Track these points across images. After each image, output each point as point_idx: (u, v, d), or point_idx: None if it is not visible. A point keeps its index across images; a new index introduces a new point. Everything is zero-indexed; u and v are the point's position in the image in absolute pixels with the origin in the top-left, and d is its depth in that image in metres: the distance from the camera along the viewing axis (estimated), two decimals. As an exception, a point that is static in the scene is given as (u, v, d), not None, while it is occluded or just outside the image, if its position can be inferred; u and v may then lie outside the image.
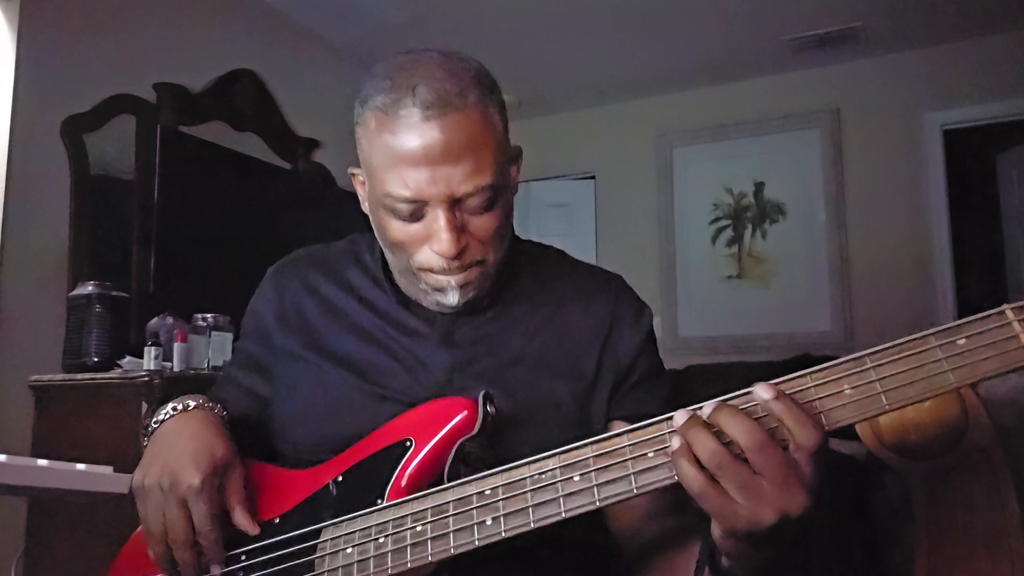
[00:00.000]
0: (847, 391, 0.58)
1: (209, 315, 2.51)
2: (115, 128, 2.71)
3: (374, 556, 0.69)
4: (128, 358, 2.28)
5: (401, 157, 0.75)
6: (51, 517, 2.25)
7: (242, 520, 0.76)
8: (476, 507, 0.66)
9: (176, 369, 2.30)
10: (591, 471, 0.63)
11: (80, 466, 0.94)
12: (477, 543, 0.65)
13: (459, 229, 0.77)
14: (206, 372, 2.36)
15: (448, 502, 0.68)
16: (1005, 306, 0.55)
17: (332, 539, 0.72)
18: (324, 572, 0.72)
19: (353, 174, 0.87)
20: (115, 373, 2.25)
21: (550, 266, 0.94)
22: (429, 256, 0.79)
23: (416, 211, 0.77)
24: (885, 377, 0.57)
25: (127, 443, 2.10)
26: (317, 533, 0.74)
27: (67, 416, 2.28)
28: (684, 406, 0.61)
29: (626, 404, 0.86)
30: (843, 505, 1.42)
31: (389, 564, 0.68)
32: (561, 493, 0.63)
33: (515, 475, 0.66)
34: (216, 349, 2.45)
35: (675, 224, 4.45)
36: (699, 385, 3.60)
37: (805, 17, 3.59)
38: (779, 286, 4.18)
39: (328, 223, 2.76)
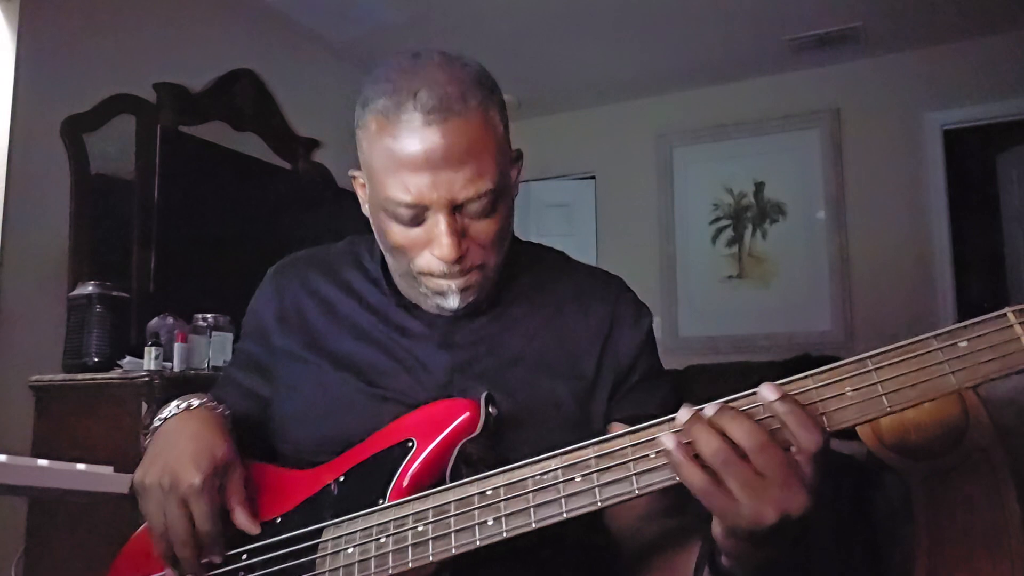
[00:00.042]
0: (849, 393, 0.58)
1: (209, 315, 2.51)
2: (115, 128, 2.71)
3: (375, 556, 0.69)
4: (128, 358, 2.28)
5: (402, 162, 0.75)
6: (51, 517, 2.26)
7: (243, 520, 0.77)
8: (478, 507, 0.66)
9: (176, 369, 2.30)
10: (593, 472, 0.63)
11: (80, 466, 0.94)
12: (479, 543, 0.65)
13: (460, 234, 0.77)
14: (206, 372, 2.36)
15: (450, 502, 0.68)
16: (1007, 308, 0.56)
17: (333, 539, 0.72)
18: (325, 572, 0.72)
19: (353, 176, 0.87)
20: (115, 373, 2.25)
21: (550, 267, 0.94)
22: (430, 260, 0.79)
23: (417, 216, 0.77)
24: (887, 379, 0.57)
25: (127, 443, 2.10)
26: (318, 533, 0.74)
27: (67, 416, 2.28)
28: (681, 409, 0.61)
29: (626, 405, 0.86)
30: (843, 505, 1.42)
31: (390, 564, 0.68)
32: (563, 494, 0.63)
33: (517, 476, 0.66)
34: (216, 349, 2.45)
35: (675, 224, 4.45)
36: (699, 385, 3.60)
37: (805, 17, 3.59)
38: (779, 286, 4.18)
39: (328, 223, 2.77)
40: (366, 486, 0.74)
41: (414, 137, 0.74)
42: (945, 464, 1.04)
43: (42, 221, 2.48)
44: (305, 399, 0.86)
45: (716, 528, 0.62)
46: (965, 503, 1.04)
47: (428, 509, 0.68)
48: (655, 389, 0.89)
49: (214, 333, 2.47)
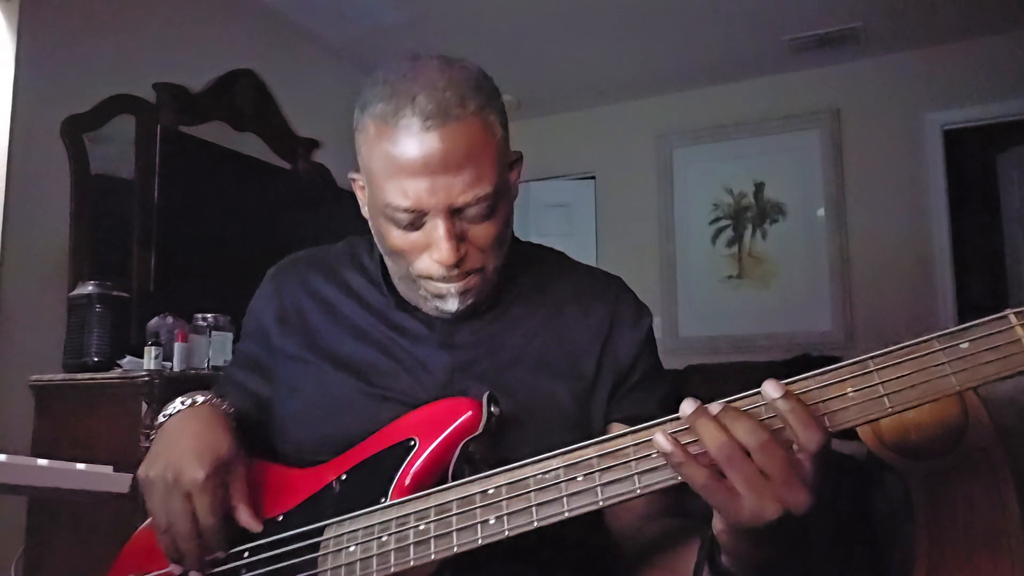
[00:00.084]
0: (850, 393, 0.58)
1: (209, 315, 2.51)
2: (115, 128, 2.71)
3: (377, 554, 0.70)
4: (128, 358, 2.28)
5: (400, 167, 0.75)
6: (51, 517, 2.26)
7: (245, 517, 0.77)
8: (480, 506, 0.66)
9: (176, 369, 2.30)
10: (595, 471, 0.63)
11: (80, 466, 0.94)
12: (480, 542, 0.65)
13: (458, 238, 0.77)
14: (206, 372, 2.36)
15: (451, 501, 0.68)
16: (1008, 310, 0.56)
17: (335, 537, 0.73)
18: (327, 570, 0.72)
19: (353, 179, 0.87)
20: (115, 373, 2.25)
21: (550, 268, 0.95)
22: (429, 264, 0.79)
23: (415, 220, 0.77)
24: (888, 380, 0.57)
25: (127, 443, 2.10)
26: (320, 531, 0.74)
27: (67, 416, 2.28)
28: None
29: (625, 405, 0.86)
30: (843, 505, 1.42)
31: (392, 562, 0.69)
32: (565, 493, 0.63)
33: (519, 475, 0.66)
34: (216, 349, 2.45)
35: (675, 224, 4.45)
36: (699, 385, 3.60)
37: (805, 17, 3.59)
38: (779, 286, 4.18)
39: (328, 223, 2.76)
40: (368, 484, 0.75)
41: (412, 142, 0.74)
42: (945, 464, 1.04)
43: (42, 221, 2.48)
44: (305, 399, 0.87)
45: (717, 525, 0.62)
46: (965, 503, 1.04)
47: (430, 508, 0.68)
48: (655, 389, 0.89)
49: (214, 333, 2.47)
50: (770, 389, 0.58)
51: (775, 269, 4.21)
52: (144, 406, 2.11)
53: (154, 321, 2.42)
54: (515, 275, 0.90)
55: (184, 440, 0.77)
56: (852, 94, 4.08)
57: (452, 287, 0.80)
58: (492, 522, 0.65)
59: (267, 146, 3.35)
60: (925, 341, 0.57)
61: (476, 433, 0.73)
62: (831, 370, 0.59)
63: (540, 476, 0.65)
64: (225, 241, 2.90)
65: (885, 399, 0.57)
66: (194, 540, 0.74)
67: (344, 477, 0.77)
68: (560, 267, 0.96)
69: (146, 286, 2.68)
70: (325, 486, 0.78)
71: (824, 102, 4.13)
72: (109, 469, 0.96)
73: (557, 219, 4.64)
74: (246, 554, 0.77)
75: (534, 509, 0.64)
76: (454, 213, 0.76)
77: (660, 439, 0.59)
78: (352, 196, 0.89)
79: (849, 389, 0.58)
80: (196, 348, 2.41)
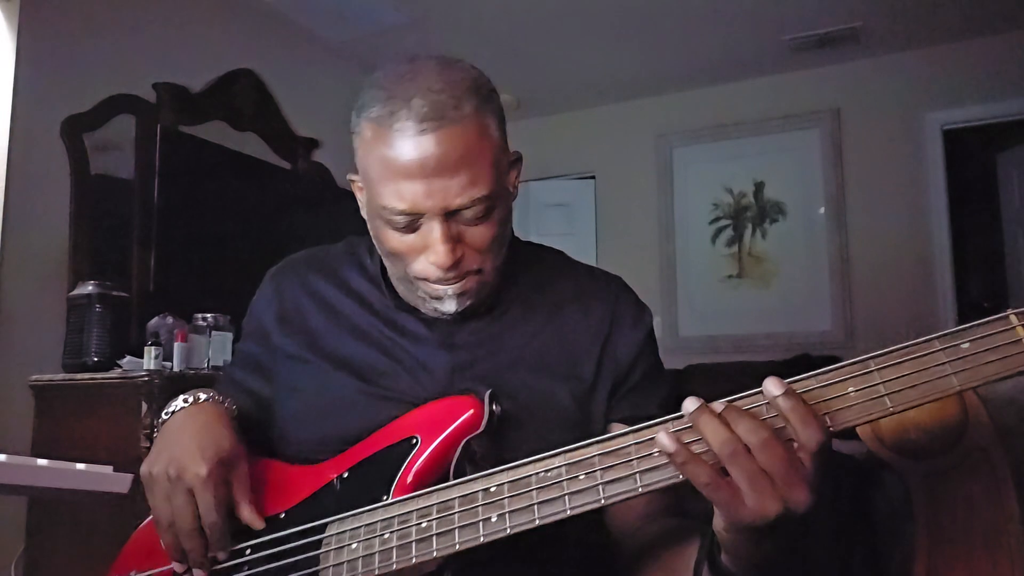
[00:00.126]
0: (851, 393, 0.58)
1: (209, 315, 2.51)
2: (115, 128, 2.71)
3: (379, 551, 0.70)
4: (128, 358, 2.28)
5: (396, 170, 0.75)
6: (51, 517, 2.26)
7: (247, 514, 0.77)
8: (481, 504, 0.66)
9: (176, 369, 2.30)
10: (596, 470, 0.63)
11: (80, 466, 0.94)
12: (482, 539, 0.66)
13: (455, 240, 0.77)
14: (206, 372, 2.36)
15: (453, 499, 0.68)
16: (1009, 311, 0.56)
17: (337, 534, 0.73)
18: (329, 567, 0.72)
19: (352, 180, 0.87)
20: (115, 373, 2.25)
21: (550, 268, 0.95)
22: (426, 266, 0.79)
23: (412, 223, 0.77)
24: (889, 380, 0.58)
25: (127, 443, 2.11)
26: (322, 528, 0.74)
27: (67, 416, 2.28)
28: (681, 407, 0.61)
29: (625, 405, 0.86)
30: (843, 505, 1.42)
31: (394, 560, 0.69)
32: (566, 491, 0.64)
33: (521, 473, 0.66)
34: (216, 349, 2.45)
35: (675, 224, 4.45)
36: (699, 385, 3.60)
37: (805, 17, 3.59)
38: (779, 286, 4.19)
39: (328, 223, 2.76)
40: (370, 482, 0.75)
41: (407, 145, 0.74)
42: (945, 463, 1.04)
43: (42, 221, 2.48)
44: (305, 399, 0.87)
45: (718, 523, 0.62)
46: (965, 502, 1.03)
47: (432, 505, 0.69)
48: (655, 390, 0.89)
49: (214, 333, 2.47)
50: (771, 386, 0.58)
51: (775, 269, 4.21)
52: (144, 406, 2.11)
53: (154, 321, 2.42)
54: (515, 275, 0.90)
55: (187, 437, 0.77)
56: (852, 94, 4.08)
57: (449, 289, 0.80)
58: (494, 520, 0.65)
59: (267, 146, 3.35)
60: (926, 341, 0.57)
61: (478, 431, 0.73)
62: (832, 370, 0.59)
63: (542, 474, 0.65)
64: (225, 241, 2.90)
65: (886, 399, 0.58)
66: (196, 537, 0.74)
67: (346, 475, 0.78)
68: (560, 267, 0.96)
69: (146, 286, 2.68)
70: (327, 484, 0.78)
71: (824, 102, 4.13)
72: (109, 469, 0.96)
73: (557, 219, 4.64)
74: (248, 551, 0.77)
75: (536, 507, 0.64)
76: (450, 215, 0.76)
77: (663, 438, 0.59)
78: (352, 196, 0.90)
79: (850, 389, 0.59)
80: (196, 348, 2.41)
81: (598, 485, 0.63)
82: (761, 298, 4.22)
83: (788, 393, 0.58)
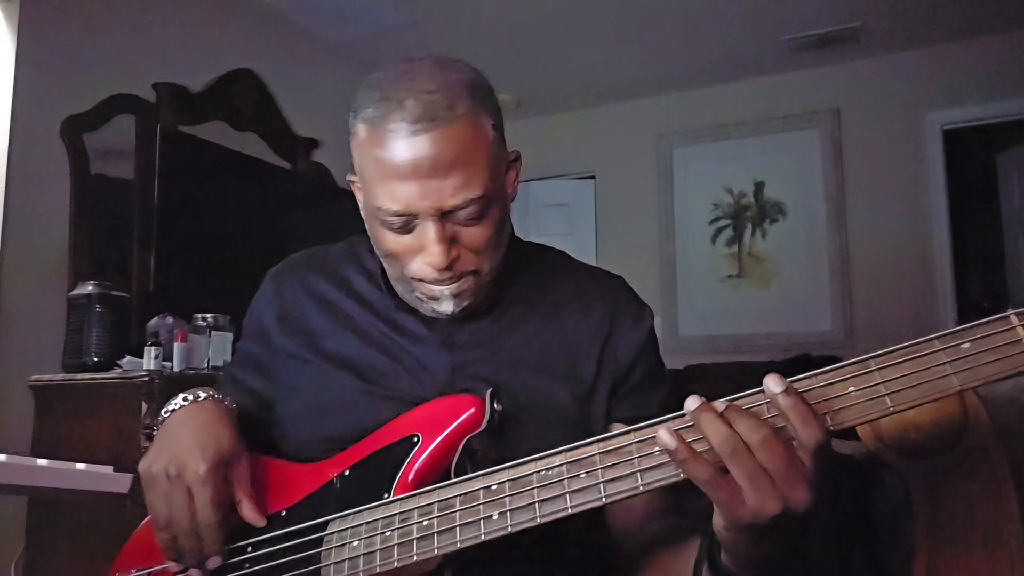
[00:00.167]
0: (852, 392, 0.58)
1: (209, 315, 2.51)
2: (115, 128, 2.71)
3: (380, 549, 0.70)
4: (128, 358, 2.28)
5: (390, 171, 0.75)
6: (51, 517, 2.26)
7: (248, 512, 0.77)
8: (483, 502, 0.67)
9: (176, 369, 2.30)
10: (598, 468, 0.63)
11: (80, 466, 0.94)
12: (484, 537, 0.66)
13: (449, 241, 0.77)
14: (206, 372, 2.36)
15: (454, 496, 0.68)
16: (1009, 311, 0.56)
17: (339, 532, 0.73)
18: (330, 565, 0.72)
19: (351, 181, 0.87)
20: (115, 373, 2.25)
21: (550, 268, 0.95)
22: (421, 267, 0.79)
23: (406, 223, 0.77)
24: (889, 380, 0.58)
25: (127, 443, 2.11)
26: (324, 526, 0.74)
27: (67, 416, 2.28)
28: (683, 407, 0.61)
29: (625, 406, 0.86)
30: (843, 504, 1.42)
31: (395, 557, 0.69)
32: (568, 490, 0.64)
33: (522, 471, 0.66)
34: (216, 349, 2.45)
35: (675, 224, 4.45)
36: (699, 385, 3.60)
37: (805, 17, 3.59)
38: (779, 286, 4.19)
39: (328, 223, 2.76)
40: (371, 480, 0.75)
41: (401, 146, 0.74)
42: (945, 463, 1.04)
43: (42, 221, 2.48)
44: (306, 399, 0.87)
45: (718, 522, 0.62)
46: (965, 502, 1.03)
47: (433, 503, 0.69)
48: (655, 390, 0.89)
49: (214, 333, 2.47)
50: (772, 384, 0.58)
51: (775, 269, 4.21)
52: (144, 406, 2.11)
53: (154, 321, 2.42)
54: (516, 275, 0.90)
55: (187, 435, 0.77)
56: (852, 94, 4.08)
57: (446, 289, 0.80)
58: (495, 518, 0.65)
59: (267, 146, 3.35)
60: (926, 341, 0.58)
61: (479, 430, 0.73)
62: (833, 369, 0.59)
63: (543, 472, 0.65)
64: (225, 241, 2.90)
65: (887, 398, 0.58)
66: (193, 536, 0.74)
67: (347, 473, 0.78)
68: (561, 267, 0.96)
69: (146, 286, 2.68)
70: (328, 481, 0.78)
71: (824, 102, 4.13)
72: (109, 469, 0.97)
73: (557, 219, 4.64)
74: (249, 548, 0.77)
75: (537, 505, 0.64)
76: (445, 216, 0.76)
77: (663, 434, 0.59)
78: (352, 196, 0.90)
79: (851, 388, 0.59)
80: (196, 348, 2.41)
81: (599, 484, 0.63)
82: (761, 298, 4.22)
83: (788, 391, 0.58)
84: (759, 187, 4.28)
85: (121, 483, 0.95)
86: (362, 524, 0.72)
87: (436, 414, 0.75)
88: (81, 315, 2.31)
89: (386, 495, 0.73)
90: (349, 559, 0.71)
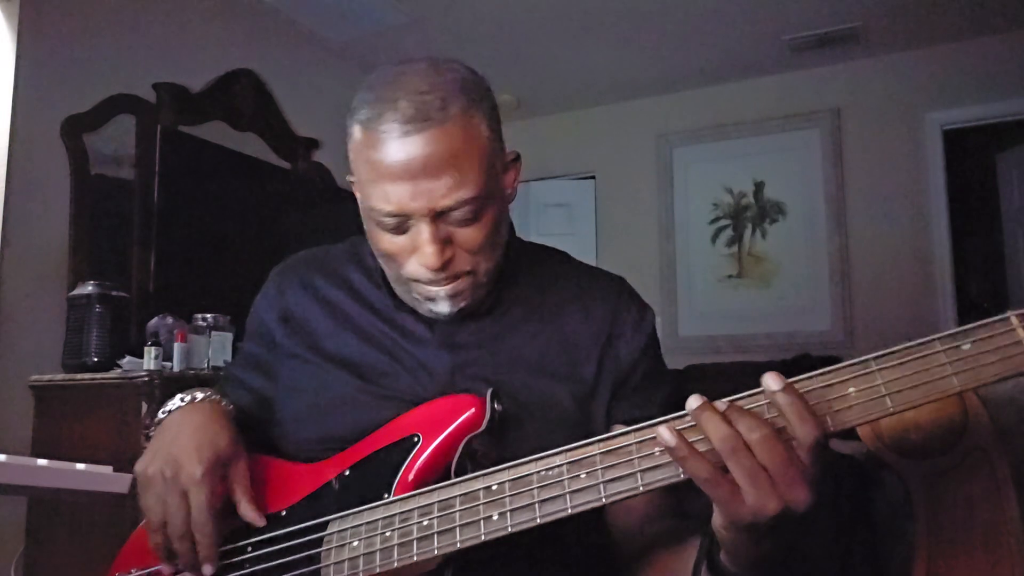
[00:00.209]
0: (852, 393, 0.58)
1: (209, 315, 2.51)
2: (115, 128, 2.71)
3: (380, 549, 0.70)
4: (128, 358, 2.28)
5: (382, 172, 0.75)
6: (51, 517, 2.26)
7: (248, 512, 0.77)
8: (483, 503, 0.66)
9: (176, 369, 2.30)
10: (598, 468, 0.63)
11: (80, 466, 0.94)
12: (484, 537, 0.66)
13: (444, 242, 0.77)
14: (206, 372, 2.36)
15: (455, 497, 0.68)
16: (1010, 312, 0.56)
17: (339, 532, 0.73)
18: (330, 565, 0.72)
19: (351, 181, 0.88)
20: (115, 373, 2.25)
21: (552, 268, 0.94)
22: (416, 267, 0.79)
23: (400, 224, 0.77)
24: (890, 380, 0.58)
25: (127, 443, 2.11)
26: (323, 526, 0.74)
27: (67, 416, 2.28)
28: (683, 407, 0.61)
29: (626, 407, 0.86)
30: (843, 505, 1.42)
31: (395, 557, 0.69)
32: (568, 490, 0.64)
33: (522, 471, 0.66)
34: (216, 349, 2.45)
35: (675, 224, 4.45)
36: (699, 385, 3.59)
37: (805, 17, 3.59)
38: (779, 286, 4.19)
39: (328, 223, 2.76)
40: (372, 480, 0.75)
41: (393, 147, 0.74)
42: (945, 463, 1.04)
43: (42, 221, 2.48)
44: (307, 399, 0.87)
45: (717, 520, 0.62)
46: (965, 502, 1.03)
47: (433, 503, 0.69)
48: (657, 390, 0.88)
49: (214, 333, 2.47)
50: (770, 381, 0.59)
51: (775, 269, 4.21)
52: (144, 406, 2.11)
53: (154, 321, 2.42)
54: (517, 276, 0.90)
55: (183, 436, 0.77)
56: (852, 94, 4.08)
57: (441, 290, 0.80)
58: (495, 518, 0.65)
59: (267, 146, 3.35)
60: (927, 342, 0.58)
61: (479, 430, 0.73)
62: (833, 370, 0.59)
63: (543, 473, 0.65)
64: (225, 241, 2.90)
65: (887, 399, 0.58)
66: (188, 539, 0.74)
67: (347, 473, 0.78)
68: (562, 267, 0.95)
69: (146, 286, 2.68)
70: (328, 481, 0.78)
71: (824, 102, 4.13)
72: (109, 469, 0.96)
73: (557, 219, 4.64)
74: (249, 548, 0.77)
75: (537, 506, 0.64)
76: (438, 216, 0.76)
77: (664, 432, 0.59)
78: (353, 196, 0.90)
79: (851, 389, 0.59)
80: (195, 348, 2.41)
81: (599, 484, 0.63)
82: (761, 298, 4.22)
83: (786, 389, 0.58)
84: (759, 187, 4.28)
85: (121, 483, 0.95)
86: (362, 524, 0.72)
87: (436, 414, 0.75)
88: (81, 315, 2.31)
89: (386, 495, 0.73)
90: (349, 559, 0.71)
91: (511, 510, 0.65)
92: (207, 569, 0.75)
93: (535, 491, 0.65)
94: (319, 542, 0.74)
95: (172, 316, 2.44)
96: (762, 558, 0.62)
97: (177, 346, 2.33)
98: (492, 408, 0.74)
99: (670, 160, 4.50)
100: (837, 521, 1.42)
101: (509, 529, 0.65)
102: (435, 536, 0.68)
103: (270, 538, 0.76)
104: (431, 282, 0.80)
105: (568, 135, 4.74)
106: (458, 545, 0.66)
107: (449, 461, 0.73)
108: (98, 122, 2.65)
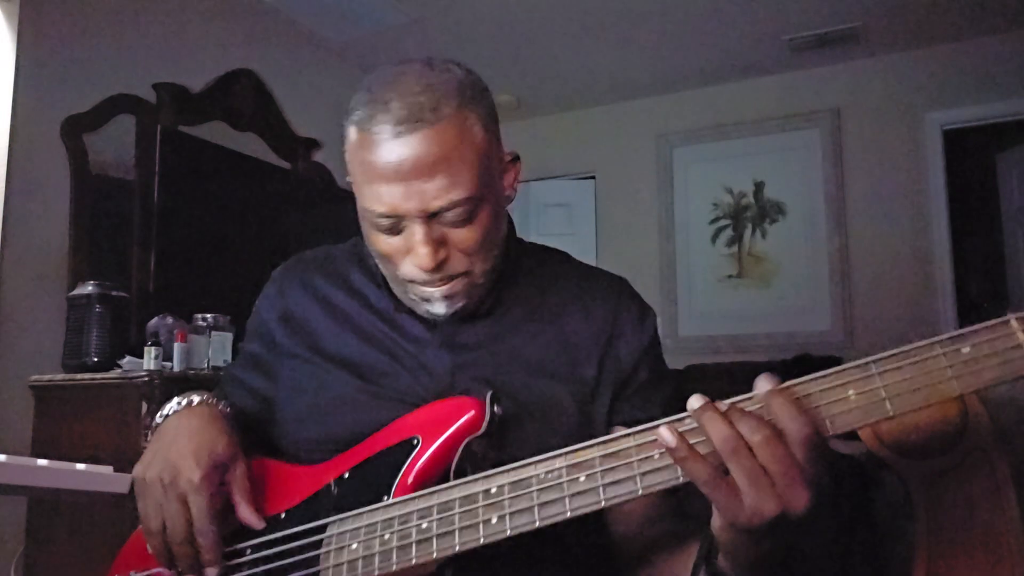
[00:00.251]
0: (852, 396, 0.58)
1: (209, 315, 2.51)
2: (115, 128, 2.71)
3: (379, 552, 0.70)
4: (128, 358, 2.28)
5: (376, 173, 0.75)
6: (51, 517, 2.26)
7: (247, 515, 0.77)
8: (482, 505, 0.66)
9: (176, 369, 2.30)
10: (597, 471, 0.63)
11: (80, 466, 0.94)
12: (483, 540, 0.66)
13: (437, 243, 0.77)
14: (206, 372, 2.36)
15: (454, 499, 0.68)
16: (1010, 315, 0.56)
17: (338, 535, 0.73)
18: (329, 567, 0.72)
19: (350, 182, 0.88)
20: (115, 373, 2.24)
21: (552, 268, 0.94)
22: (411, 268, 0.79)
23: (394, 225, 0.77)
24: (890, 383, 0.57)
25: (127, 443, 2.11)
26: (322, 529, 0.74)
27: (67, 416, 2.28)
28: (685, 408, 0.61)
29: (627, 409, 0.86)
30: (844, 505, 1.42)
31: (394, 560, 0.69)
32: (567, 493, 0.64)
33: (522, 474, 0.66)
34: (216, 349, 2.45)
35: (675, 224, 4.45)
36: (699, 385, 3.59)
37: (805, 17, 3.59)
38: (779, 286, 4.19)
39: (327, 223, 2.76)
40: (371, 483, 0.75)
41: (385, 148, 0.74)
42: (945, 464, 1.04)
43: (42, 221, 2.48)
44: (307, 399, 0.87)
45: (716, 522, 0.62)
46: (965, 503, 1.03)
47: (433, 506, 0.69)
48: (658, 392, 0.88)
49: (214, 333, 2.47)
50: (763, 382, 0.59)
51: (775, 269, 4.21)
52: (144, 406, 2.11)
53: (154, 321, 2.42)
54: (517, 276, 0.90)
55: (181, 440, 0.77)
56: (852, 94, 4.08)
57: (436, 291, 0.80)
58: (494, 521, 0.65)
59: (267, 146, 3.35)
60: (926, 345, 0.57)
61: (479, 432, 0.73)
62: (832, 373, 0.59)
63: (543, 476, 0.65)
64: (225, 241, 2.90)
65: (887, 403, 0.57)
66: (188, 545, 0.74)
67: (347, 475, 0.77)
68: (563, 268, 0.95)
69: (145, 286, 2.68)
70: (328, 484, 0.78)
71: (824, 102, 4.13)
72: (109, 469, 0.96)
73: (557, 219, 4.64)
74: (248, 551, 0.77)
75: (536, 509, 0.64)
76: (432, 217, 0.76)
77: (664, 433, 0.59)
78: (352, 196, 0.90)
79: (851, 392, 0.58)
80: (195, 348, 2.41)
81: (599, 487, 0.63)
82: (761, 298, 4.22)
83: (779, 390, 0.58)
84: (759, 187, 4.28)
85: (121, 483, 0.95)
86: (361, 527, 0.72)
87: (436, 416, 0.75)
88: (81, 315, 2.31)
89: (386, 497, 0.73)
90: (348, 562, 0.71)
91: (510, 513, 0.65)
92: (211, 572, 0.75)
93: (534, 494, 0.65)
94: (318, 544, 0.73)
95: (172, 316, 2.44)
96: (761, 559, 0.62)
97: (177, 346, 2.33)
98: (492, 411, 0.73)
99: (670, 160, 4.49)
100: (837, 521, 1.41)
101: (508, 532, 0.65)
102: (434, 539, 0.67)
103: (269, 540, 0.76)
104: (426, 283, 0.79)
105: (568, 135, 4.74)
106: (457, 548, 0.66)
107: (449, 464, 0.73)
108: (98, 122, 2.65)
